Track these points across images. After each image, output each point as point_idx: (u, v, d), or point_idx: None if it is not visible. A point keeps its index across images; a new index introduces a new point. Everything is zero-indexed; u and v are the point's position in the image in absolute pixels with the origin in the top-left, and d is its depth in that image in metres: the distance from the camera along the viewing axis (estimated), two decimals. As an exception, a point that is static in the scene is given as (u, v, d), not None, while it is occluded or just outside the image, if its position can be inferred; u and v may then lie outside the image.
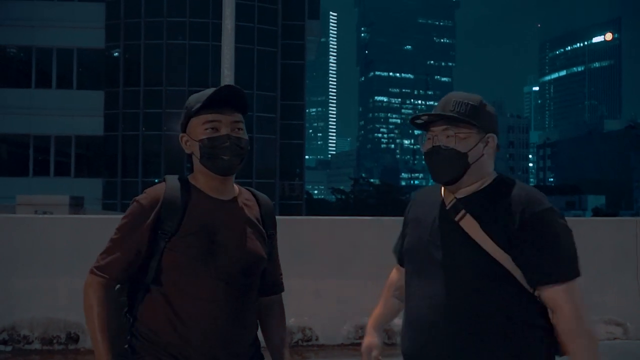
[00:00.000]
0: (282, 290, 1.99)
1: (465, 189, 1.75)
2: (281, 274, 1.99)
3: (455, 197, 1.75)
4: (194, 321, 1.68)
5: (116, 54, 29.29)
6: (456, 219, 1.70)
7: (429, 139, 1.76)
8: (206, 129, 1.72)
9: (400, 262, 1.99)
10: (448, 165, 1.72)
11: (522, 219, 1.63)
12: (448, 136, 1.71)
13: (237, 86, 1.77)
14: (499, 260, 1.64)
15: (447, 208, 1.75)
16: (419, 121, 1.79)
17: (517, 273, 1.64)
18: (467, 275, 1.66)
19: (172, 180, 1.78)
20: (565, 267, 1.63)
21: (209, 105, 1.72)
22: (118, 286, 1.77)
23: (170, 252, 1.70)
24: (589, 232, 5.37)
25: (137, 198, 1.76)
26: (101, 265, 1.72)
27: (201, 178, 1.79)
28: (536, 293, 1.64)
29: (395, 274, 2.04)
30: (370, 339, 1.96)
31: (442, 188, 1.83)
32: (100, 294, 1.70)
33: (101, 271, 1.71)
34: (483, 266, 1.65)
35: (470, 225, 1.68)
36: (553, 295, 1.61)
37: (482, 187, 1.75)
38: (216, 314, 1.70)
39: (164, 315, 1.70)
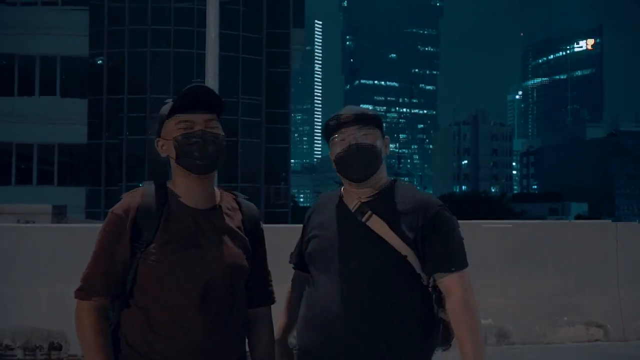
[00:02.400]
0: (272, 301, 1.90)
1: (366, 191, 1.87)
2: (271, 285, 1.90)
3: (360, 201, 1.86)
4: (172, 335, 1.61)
5: (100, 61, 29.09)
6: (363, 219, 1.81)
7: (341, 140, 1.85)
8: (180, 128, 1.68)
9: (299, 268, 2.03)
10: (369, 160, 1.84)
11: (424, 217, 1.80)
12: (363, 134, 1.83)
13: (207, 86, 1.74)
14: (403, 254, 1.77)
15: (353, 210, 1.85)
16: (332, 122, 1.88)
17: (417, 266, 1.79)
18: (373, 269, 1.78)
19: (149, 187, 1.72)
20: (458, 259, 1.81)
21: (181, 107, 1.67)
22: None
23: (146, 263, 1.63)
24: (570, 235, 5.45)
25: (112, 209, 1.69)
26: (85, 286, 1.65)
27: (180, 182, 1.72)
28: (431, 282, 1.80)
29: (297, 282, 2.05)
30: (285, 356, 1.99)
31: (341, 194, 1.93)
32: (93, 318, 1.64)
33: (87, 293, 1.65)
34: (389, 260, 1.78)
35: (376, 224, 1.80)
36: (447, 282, 1.78)
37: (381, 189, 1.89)
38: (194, 327, 1.62)
39: (141, 329, 1.63)
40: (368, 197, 1.86)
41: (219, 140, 1.70)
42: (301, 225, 2.05)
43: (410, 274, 1.80)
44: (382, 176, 1.90)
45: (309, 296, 1.89)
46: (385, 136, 1.92)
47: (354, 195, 1.88)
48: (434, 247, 1.79)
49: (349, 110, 1.87)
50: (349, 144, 1.83)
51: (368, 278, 1.78)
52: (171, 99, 1.75)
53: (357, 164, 1.82)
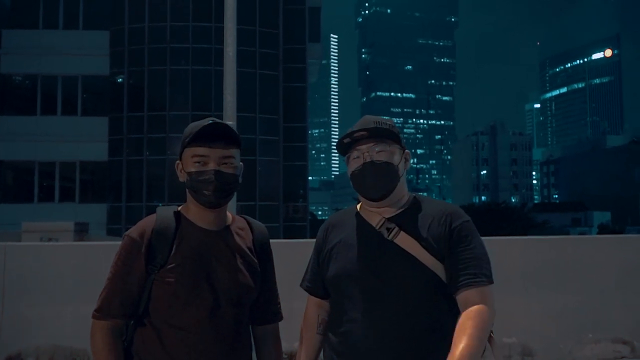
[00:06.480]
0: (279, 319, 1.94)
1: (388, 209, 1.78)
2: (279, 303, 1.94)
3: (384, 217, 1.76)
4: (183, 354, 1.66)
5: (120, 80, 29.57)
6: (390, 237, 1.72)
7: (356, 157, 1.78)
8: (195, 162, 1.73)
9: (315, 293, 1.91)
10: (384, 179, 1.74)
11: (449, 230, 1.70)
12: (378, 151, 1.75)
13: (223, 122, 1.76)
14: (436, 271, 1.68)
15: (377, 228, 1.75)
16: (346, 140, 1.80)
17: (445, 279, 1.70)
18: (410, 290, 1.68)
19: (163, 212, 1.78)
20: (485, 272, 1.68)
21: (200, 139, 1.72)
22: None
23: (159, 284, 1.69)
24: (592, 250, 5.36)
25: (127, 232, 1.75)
26: (102, 308, 1.71)
27: (192, 207, 1.78)
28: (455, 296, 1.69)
29: (314, 309, 1.93)
30: None
31: (358, 211, 1.84)
32: (107, 338, 1.69)
33: (104, 314, 1.70)
34: (424, 278, 1.68)
35: (405, 241, 1.71)
36: (469, 296, 1.64)
37: (404, 205, 1.79)
38: (204, 346, 1.68)
39: (153, 348, 1.68)
40: (392, 214, 1.77)
41: (231, 180, 1.75)
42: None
43: (446, 292, 1.69)
44: (404, 193, 1.80)
45: (338, 323, 1.77)
46: (406, 150, 1.83)
47: (375, 212, 1.78)
48: (460, 257, 1.67)
49: (364, 123, 1.78)
50: (363, 161, 1.75)
51: (408, 301, 1.68)
52: (200, 116, 1.80)
53: (372, 182, 1.74)
